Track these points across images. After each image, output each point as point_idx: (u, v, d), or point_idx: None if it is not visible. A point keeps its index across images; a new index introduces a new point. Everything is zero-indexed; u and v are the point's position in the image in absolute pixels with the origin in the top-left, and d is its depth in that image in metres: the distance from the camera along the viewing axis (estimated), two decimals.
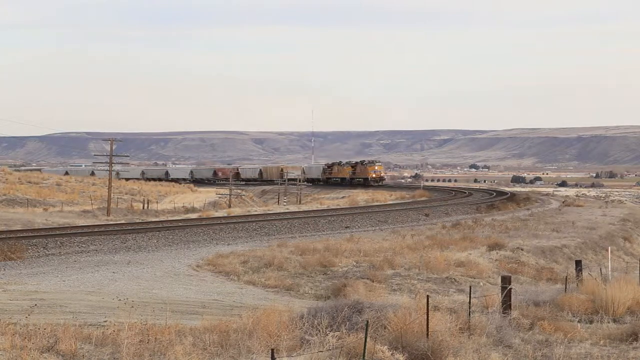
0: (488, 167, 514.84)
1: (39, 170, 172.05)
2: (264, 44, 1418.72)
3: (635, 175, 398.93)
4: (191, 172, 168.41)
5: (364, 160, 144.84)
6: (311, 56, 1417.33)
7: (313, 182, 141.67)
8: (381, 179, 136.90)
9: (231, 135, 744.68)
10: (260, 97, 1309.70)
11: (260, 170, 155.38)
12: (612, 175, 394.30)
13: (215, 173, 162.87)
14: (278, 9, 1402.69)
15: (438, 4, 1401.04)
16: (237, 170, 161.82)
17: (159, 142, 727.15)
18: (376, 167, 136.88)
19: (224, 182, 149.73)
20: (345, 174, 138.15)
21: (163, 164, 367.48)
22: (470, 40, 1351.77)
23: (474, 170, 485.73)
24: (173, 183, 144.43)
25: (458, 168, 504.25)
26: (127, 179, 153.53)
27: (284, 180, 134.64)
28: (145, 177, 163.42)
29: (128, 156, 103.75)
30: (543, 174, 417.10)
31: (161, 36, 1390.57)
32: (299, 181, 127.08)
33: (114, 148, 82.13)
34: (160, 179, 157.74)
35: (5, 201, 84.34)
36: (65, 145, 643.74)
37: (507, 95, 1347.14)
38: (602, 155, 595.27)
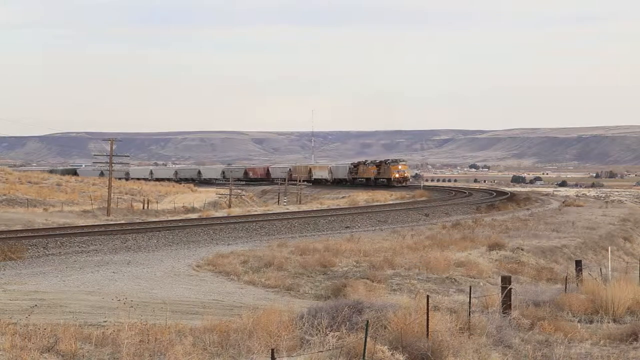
0: (488, 167, 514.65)
1: (75, 171, 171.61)
2: (264, 44, 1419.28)
3: (635, 175, 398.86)
4: (223, 172, 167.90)
5: (388, 160, 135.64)
6: (311, 56, 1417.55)
7: (340, 182, 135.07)
8: (405, 179, 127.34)
9: (231, 135, 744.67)
10: (260, 97, 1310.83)
11: (290, 169, 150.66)
12: (612, 175, 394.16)
13: (246, 173, 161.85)
14: (278, 9, 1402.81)
15: (438, 4, 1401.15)
16: (268, 169, 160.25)
17: (159, 142, 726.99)
18: (400, 167, 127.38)
19: (258, 182, 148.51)
20: (370, 174, 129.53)
21: (163, 164, 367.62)
22: (470, 40, 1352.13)
23: (474, 170, 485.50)
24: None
25: (458, 168, 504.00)
26: (159, 179, 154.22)
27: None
28: (178, 178, 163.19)
29: (128, 156, 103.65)
30: (543, 174, 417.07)
31: (161, 36, 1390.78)
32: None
33: (114, 148, 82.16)
34: (193, 179, 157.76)
35: (5, 201, 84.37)
36: (65, 145, 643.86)
37: (507, 95, 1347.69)
38: (602, 155, 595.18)
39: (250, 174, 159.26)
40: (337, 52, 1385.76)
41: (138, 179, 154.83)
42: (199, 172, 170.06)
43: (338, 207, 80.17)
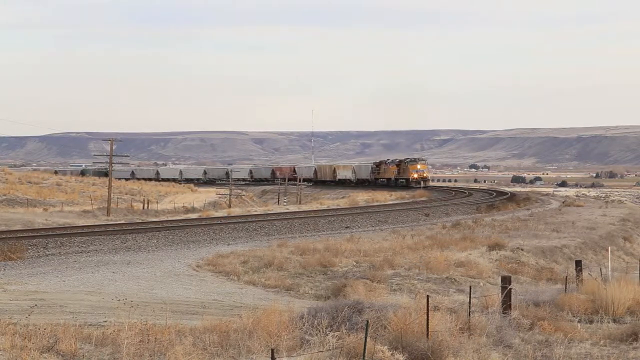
0: (488, 167, 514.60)
1: (106, 172, 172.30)
2: (264, 44, 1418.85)
3: (635, 175, 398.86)
4: (250, 171, 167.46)
5: (407, 159, 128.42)
6: (311, 56, 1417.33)
7: (363, 183, 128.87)
8: (424, 179, 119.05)
9: (231, 135, 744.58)
10: (260, 97, 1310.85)
11: (315, 169, 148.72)
12: (612, 175, 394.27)
13: (273, 172, 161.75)
14: (278, 9, 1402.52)
15: (438, 4, 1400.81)
16: (294, 169, 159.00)
17: (159, 142, 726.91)
18: (418, 166, 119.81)
19: (284, 182, 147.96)
20: (391, 173, 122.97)
21: (163, 164, 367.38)
22: (470, 40, 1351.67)
23: (474, 170, 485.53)
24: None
25: (458, 168, 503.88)
26: (188, 180, 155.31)
27: (338, 180, 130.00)
28: (207, 178, 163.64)
29: (128, 156, 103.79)
30: (543, 174, 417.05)
31: (161, 36, 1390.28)
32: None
33: (114, 148, 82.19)
34: (221, 180, 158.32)
35: (5, 201, 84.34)
36: (65, 145, 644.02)
37: (507, 95, 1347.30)
38: (602, 155, 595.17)
39: (278, 174, 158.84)
40: (337, 52, 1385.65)
41: (168, 179, 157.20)
42: (227, 173, 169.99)
43: (338, 207, 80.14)
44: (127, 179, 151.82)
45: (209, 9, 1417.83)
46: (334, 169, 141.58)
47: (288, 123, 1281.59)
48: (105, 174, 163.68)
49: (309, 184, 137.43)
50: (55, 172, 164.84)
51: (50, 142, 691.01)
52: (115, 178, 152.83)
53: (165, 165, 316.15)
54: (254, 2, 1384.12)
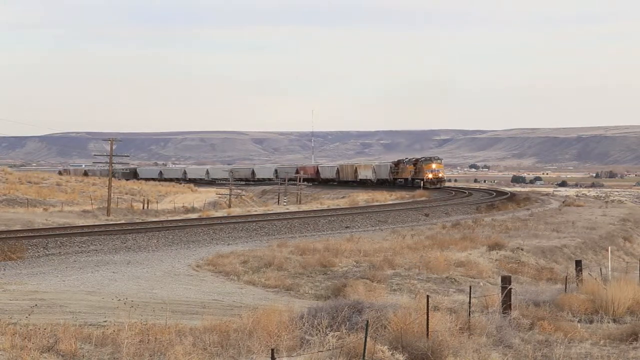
0: (488, 167, 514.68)
1: (135, 171, 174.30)
2: (264, 44, 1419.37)
3: (635, 175, 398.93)
4: (275, 170, 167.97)
5: (422, 157, 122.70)
6: (311, 56, 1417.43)
7: (383, 183, 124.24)
8: (439, 180, 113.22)
9: (231, 135, 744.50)
10: (260, 97, 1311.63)
11: (338, 169, 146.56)
12: (612, 175, 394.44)
13: (297, 172, 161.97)
14: (278, 9, 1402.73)
15: (438, 4, 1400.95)
16: (317, 168, 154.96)
17: (159, 142, 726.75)
18: (433, 166, 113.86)
19: (307, 182, 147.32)
20: (408, 173, 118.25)
21: (163, 164, 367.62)
22: (471, 40, 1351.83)
23: (474, 170, 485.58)
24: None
25: (458, 168, 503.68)
26: (215, 179, 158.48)
27: (357, 180, 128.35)
28: (234, 178, 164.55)
29: (128, 156, 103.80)
30: (543, 174, 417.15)
31: (161, 36, 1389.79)
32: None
33: (114, 148, 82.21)
34: (247, 180, 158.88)
35: (5, 201, 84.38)
36: (65, 145, 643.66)
37: (507, 95, 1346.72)
38: (602, 155, 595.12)
39: (302, 173, 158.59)
40: (337, 52, 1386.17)
41: (195, 179, 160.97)
42: (253, 172, 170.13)
43: (338, 207, 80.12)
44: (155, 179, 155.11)
45: (209, 9, 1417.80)
46: (356, 168, 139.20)
47: (288, 123, 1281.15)
48: (134, 174, 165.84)
49: (333, 184, 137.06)
50: (85, 173, 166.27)
51: (50, 142, 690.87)
52: (144, 179, 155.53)
53: (165, 164, 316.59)
54: (254, 2, 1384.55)
